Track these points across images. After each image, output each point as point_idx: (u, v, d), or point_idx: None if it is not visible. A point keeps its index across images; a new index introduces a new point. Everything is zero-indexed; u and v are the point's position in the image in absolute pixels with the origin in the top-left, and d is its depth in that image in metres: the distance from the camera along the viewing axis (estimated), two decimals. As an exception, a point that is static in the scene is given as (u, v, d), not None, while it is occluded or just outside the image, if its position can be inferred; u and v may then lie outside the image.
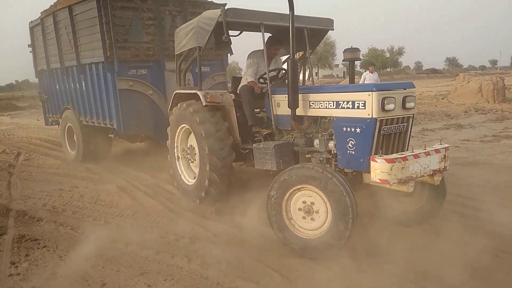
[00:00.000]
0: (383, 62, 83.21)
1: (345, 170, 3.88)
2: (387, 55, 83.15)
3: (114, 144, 8.09)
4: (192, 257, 3.53)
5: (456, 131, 10.18)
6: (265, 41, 4.87)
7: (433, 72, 76.30)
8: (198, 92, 4.78)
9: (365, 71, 13.08)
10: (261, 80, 4.88)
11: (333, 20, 5.22)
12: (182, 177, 5.28)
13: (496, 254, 3.47)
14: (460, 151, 7.69)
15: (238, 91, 5.18)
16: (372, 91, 3.47)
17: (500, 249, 3.55)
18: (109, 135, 6.90)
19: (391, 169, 3.24)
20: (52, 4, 8.15)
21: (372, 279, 3.10)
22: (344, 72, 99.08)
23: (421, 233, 3.91)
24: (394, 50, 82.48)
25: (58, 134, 9.28)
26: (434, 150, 3.57)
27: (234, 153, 4.76)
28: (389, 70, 79.10)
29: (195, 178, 5.04)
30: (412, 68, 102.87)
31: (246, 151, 4.77)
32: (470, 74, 23.11)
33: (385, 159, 3.26)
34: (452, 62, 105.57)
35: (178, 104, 5.15)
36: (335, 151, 3.94)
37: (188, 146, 5.18)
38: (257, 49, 5.16)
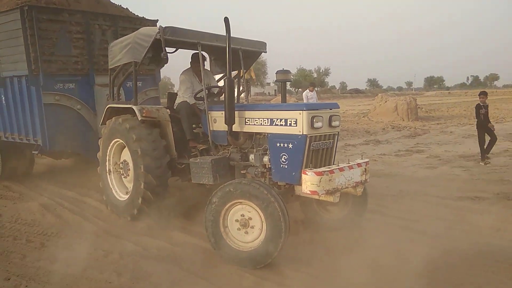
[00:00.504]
0: (311, 81, 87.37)
1: (279, 183, 4.12)
2: (315, 75, 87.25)
3: (36, 160, 7.70)
4: (122, 272, 3.52)
5: (375, 146, 11.02)
6: (192, 59, 5.07)
7: (356, 92, 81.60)
8: (134, 107, 4.78)
9: (305, 90, 13.47)
10: (198, 97, 5.01)
11: (265, 43, 5.55)
12: (113, 191, 5.19)
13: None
14: (377, 164, 8.35)
15: (175, 107, 5.23)
16: (303, 110, 3.77)
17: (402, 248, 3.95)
18: (33, 152, 6.57)
19: (320, 181, 3.54)
20: None
21: (294, 281, 3.33)
22: (275, 90, 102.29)
23: (339, 238, 4.22)
24: (321, 71, 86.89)
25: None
26: (357, 164, 3.94)
27: (170, 171, 4.79)
28: (316, 89, 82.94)
29: (127, 194, 4.98)
30: (337, 88, 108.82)
31: (183, 165, 4.82)
32: (387, 94, 25.04)
33: (314, 172, 3.56)
34: (373, 83, 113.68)
35: (113, 118, 5.10)
36: (269, 165, 4.16)
37: (122, 160, 5.12)
38: (187, 68, 5.30)
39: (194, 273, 3.50)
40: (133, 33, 4.89)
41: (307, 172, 3.59)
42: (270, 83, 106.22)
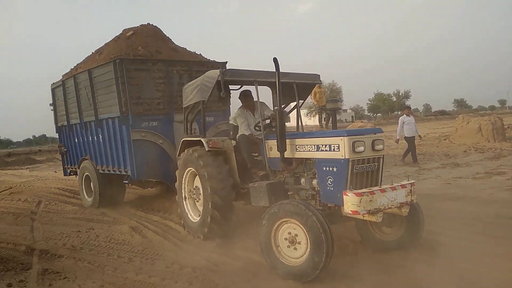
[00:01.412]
0: (390, 105, 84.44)
1: (328, 205, 4.42)
2: (394, 98, 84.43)
3: (127, 191, 8.75)
4: (193, 282, 4.05)
5: (452, 170, 10.60)
6: (240, 97, 5.74)
7: (442, 114, 76.72)
8: (202, 139, 5.44)
9: (402, 115, 13.08)
10: (257, 128, 5.54)
11: (319, 75, 5.89)
12: (188, 215, 5.80)
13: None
14: (451, 188, 8.13)
15: (237, 139, 5.81)
16: (344, 136, 4.08)
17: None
18: (124, 181, 7.55)
19: (360, 201, 3.77)
20: (72, 68, 9.20)
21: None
22: (352, 116, 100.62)
23: (391, 259, 4.35)
24: (401, 94, 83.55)
25: (75, 184, 10.00)
26: (400, 185, 4.09)
27: (234, 192, 5.26)
28: (397, 113, 79.99)
29: (199, 216, 5.57)
30: (421, 111, 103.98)
31: (245, 190, 5.30)
32: (469, 115, 23.63)
33: (354, 193, 3.80)
34: (460, 103, 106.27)
35: (185, 150, 5.79)
36: (318, 188, 4.49)
37: (194, 187, 5.75)
38: (240, 106, 5.96)
39: (255, 285, 3.90)
40: (201, 76, 5.59)
41: (347, 193, 3.85)
42: (347, 109, 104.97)
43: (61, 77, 9.40)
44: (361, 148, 4.09)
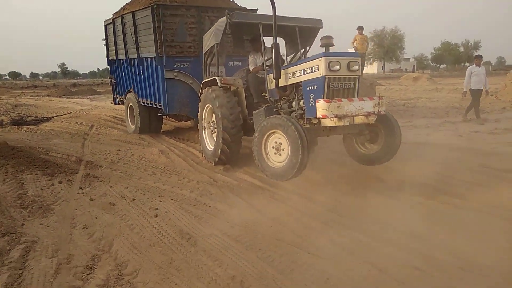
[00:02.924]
0: (457, 56, 79.29)
1: (313, 121, 5.16)
2: (462, 49, 78.95)
3: (166, 122, 9.97)
4: (194, 190, 5.16)
5: (475, 124, 10.74)
6: (251, 41, 6.53)
7: (513, 68, 71.16)
8: (216, 78, 6.27)
9: (470, 65, 12.15)
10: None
11: (321, 20, 6.40)
12: (206, 143, 6.75)
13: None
14: (459, 139, 8.44)
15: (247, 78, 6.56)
16: (321, 57, 4.83)
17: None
18: (158, 114, 8.71)
19: (329, 107, 4.61)
20: (121, 8, 10.17)
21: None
22: (413, 66, 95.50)
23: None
24: (470, 44, 77.79)
25: (123, 113, 11.39)
26: (368, 97, 4.90)
27: (242, 132, 6.10)
28: (464, 65, 75.11)
29: (214, 145, 6.55)
30: (493, 64, 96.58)
31: (251, 120, 6.04)
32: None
33: (324, 100, 4.68)
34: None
35: (206, 89, 6.59)
36: (304, 107, 5.26)
37: (212, 120, 6.55)
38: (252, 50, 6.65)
39: (239, 196, 4.93)
40: (217, 22, 6.32)
41: (319, 101, 4.70)
42: (410, 58, 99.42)
43: (112, 15, 10.40)
44: (337, 67, 4.82)
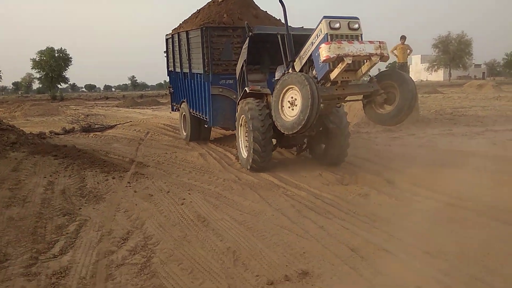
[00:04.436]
0: None
1: (325, 84, 5.61)
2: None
3: (215, 130, 10.97)
4: (219, 186, 6.03)
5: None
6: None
7: None
8: (246, 88, 6.91)
9: None
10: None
11: None
12: (241, 150, 7.27)
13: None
14: (491, 147, 8.53)
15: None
16: (322, 20, 5.34)
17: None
18: (205, 125, 9.47)
19: (330, 48, 5.03)
20: (179, 24, 11.00)
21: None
22: (484, 73, 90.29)
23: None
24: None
25: (176, 122, 12.61)
26: (368, 41, 5.28)
27: (272, 143, 6.53)
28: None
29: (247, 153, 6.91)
30: None
31: None
32: None
33: (325, 43, 5.13)
34: None
35: (240, 102, 7.15)
36: (315, 73, 5.68)
37: (247, 131, 6.85)
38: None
39: (258, 194, 5.70)
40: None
41: (321, 46, 5.13)
42: (481, 64, 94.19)
43: (171, 31, 11.11)
44: (337, 25, 5.26)
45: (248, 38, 6.50)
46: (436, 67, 69.40)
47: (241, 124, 7.26)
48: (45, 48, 51.33)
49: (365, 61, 5.49)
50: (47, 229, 4.48)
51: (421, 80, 75.28)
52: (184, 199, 5.44)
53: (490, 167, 6.57)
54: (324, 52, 5.06)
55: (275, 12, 10.39)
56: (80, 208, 5.22)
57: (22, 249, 3.96)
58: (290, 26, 6.35)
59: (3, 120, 9.95)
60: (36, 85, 77.28)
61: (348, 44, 5.09)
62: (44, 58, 51.01)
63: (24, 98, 51.35)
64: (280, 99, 5.67)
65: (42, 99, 45.05)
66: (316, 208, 4.95)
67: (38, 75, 53.50)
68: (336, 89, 5.61)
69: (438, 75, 78.74)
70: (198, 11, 10.45)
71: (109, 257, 3.77)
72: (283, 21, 6.37)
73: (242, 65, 7.08)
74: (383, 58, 5.31)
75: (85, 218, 4.82)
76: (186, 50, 9.66)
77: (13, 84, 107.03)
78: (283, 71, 6.77)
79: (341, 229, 4.23)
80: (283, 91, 5.61)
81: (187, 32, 9.49)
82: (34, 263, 3.66)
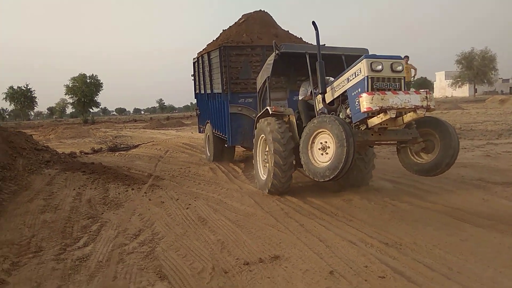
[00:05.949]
0: None
1: (360, 126, 5.19)
2: None
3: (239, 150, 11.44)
4: (221, 194, 6.85)
5: (517, 145, 10.94)
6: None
7: None
8: (268, 108, 6.43)
9: None
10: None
11: (367, 49, 6.36)
12: (259, 174, 6.91)
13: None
14: (485, 159, 9.02)
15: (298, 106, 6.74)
16: (363, 60, 4.93)
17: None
18: (225, 145, 9.55)
19: (372, 99, 4.61)
20: (202, 49, 11.48)
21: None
22: (510, 87, 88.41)
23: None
24: None
25: (194, 141, 13.58)
26: (414, 91, 4.85)
27: (294, 155, 5.94)
28: None
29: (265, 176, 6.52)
30: None
31: None
32: None
33: (367, 93, 4.70)
34: None
35: (260, 120, 6.74)
36: (350, 114, 5.27)
37: (266, 151, 6.60)
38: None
39: (255, 200, 6.47)
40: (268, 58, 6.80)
41: (362, 95, 4.74)
42: (509, 79, 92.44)
43: (197, 54, 11.42)
44: (379, 67, 4.83)
45: (275, 55, 6.30)
46: (460, 83, 68.63)
47: (259, 143, 6.98)
48: (77, 75, 54.92)
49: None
50: (74, 229, 5.39)
51: (446, 96, 74.50)
52: (190, 204, 6.28)
53: (471, 176, 7.14)
54: (366, 103, 4.68)
55: (296, 31, 10.70)
56: (102, 213, 6.13)
57: (53, 243, 4.87)
58: (311, 44, 6.40)
59: (39, 142, 11.21)
60: (69, 109, 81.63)
61: (392, 95, 4.66)
62: (77, 84, 54.32)
63: (58, 122, 54.57)
64: (309, 146, 5.25)
65: (74, 122, 47.75)
66: (303, 211, 5.68)
67: (71, 100, 57.00)
68: (372, 134, 5.21)
69: (463, 91, 77.80)
70: (220, 34, 10.75)
71: (122, 248, 4.63)
72: (314, 43, 6.19)
73: (265, 81, 6.79)
74: (429, 110, 4.89)
75: (105, 220, 5.72)
76: (208, 71, 9.92)
77: (48, 109, 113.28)
78: (306, 91, 6.81)
79: (317, 226, 4.94)
80: (313, 136, 5.20)
81: (208, 53, 9.79)
82: (62, 252, 4.55)
